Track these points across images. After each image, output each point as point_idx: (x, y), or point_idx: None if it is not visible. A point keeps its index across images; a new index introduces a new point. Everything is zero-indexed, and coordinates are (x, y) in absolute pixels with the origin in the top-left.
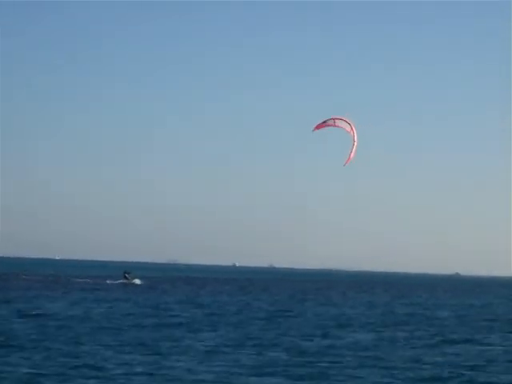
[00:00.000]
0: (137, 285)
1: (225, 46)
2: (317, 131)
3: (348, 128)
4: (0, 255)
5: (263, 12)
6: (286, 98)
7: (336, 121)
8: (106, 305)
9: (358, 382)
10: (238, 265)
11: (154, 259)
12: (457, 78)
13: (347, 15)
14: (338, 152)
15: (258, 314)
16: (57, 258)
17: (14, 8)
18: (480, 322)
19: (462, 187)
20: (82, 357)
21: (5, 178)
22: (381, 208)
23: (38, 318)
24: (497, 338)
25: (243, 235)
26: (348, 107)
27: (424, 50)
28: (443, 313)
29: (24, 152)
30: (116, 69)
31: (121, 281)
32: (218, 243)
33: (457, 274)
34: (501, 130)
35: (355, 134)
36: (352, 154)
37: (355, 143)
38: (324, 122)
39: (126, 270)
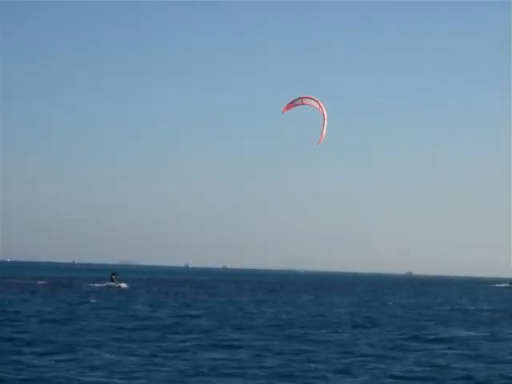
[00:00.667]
0: (122, 288)
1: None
2: (287, 112)
3: (316, 105)
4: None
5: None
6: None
7: (304, 99)
8: None
9: None
10: (190, 266)
11: (104, 260)
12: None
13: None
14: (295, 148)
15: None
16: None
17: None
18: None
19: (413, 187)
20: None
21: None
22: (338, 208)
23: None
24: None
25: (196, 236)
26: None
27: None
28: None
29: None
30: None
31: (108, 283)
32: (169, 244)
33: (409, 273)
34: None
35: (324, 111)
36: (324, 132)
37: (325, 120)
38: (292, 102)
39: (114, 271)
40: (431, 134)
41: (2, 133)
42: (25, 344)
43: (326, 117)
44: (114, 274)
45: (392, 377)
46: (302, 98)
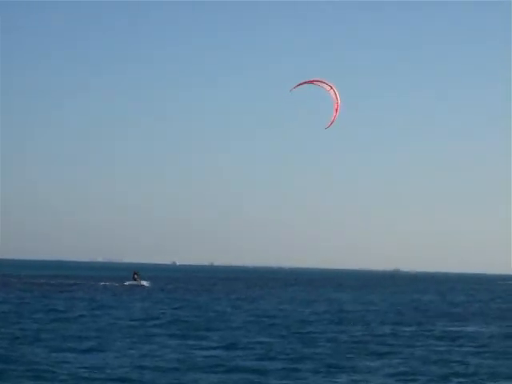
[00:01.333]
0: (145, 287)
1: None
2: (295, 90)
3: (327, 88)
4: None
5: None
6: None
7: (314, 82)
8: None
9: None
10: (178, 263)
11: (87, 258)
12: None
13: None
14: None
15: None
16: None
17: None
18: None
19: (397, 182)
20: None
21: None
22: (326, 207)
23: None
24: None
25: (183, 234)
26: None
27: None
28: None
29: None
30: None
31: (130, 282)
32: (157, 241)
33: (397, 270)
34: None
35: (337, 94)
36: (335, 115)
37: (338, 102)
38: (301, 83)
39: (136, 270)
40: (416, 130)
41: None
42: None
43: (339, 101)
44: (136, 273)
45: None
46: (313, 81)
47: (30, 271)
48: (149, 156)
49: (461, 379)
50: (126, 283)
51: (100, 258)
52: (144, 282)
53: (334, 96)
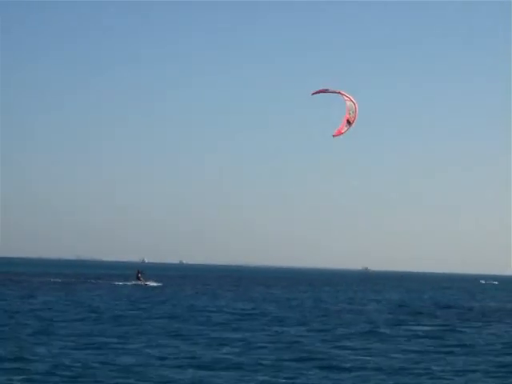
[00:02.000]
0: (153, 286)
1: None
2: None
3: (347, 99)
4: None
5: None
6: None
7: (337, 92)
8: None
9: None
10: (147, 261)
11: (60, 256)
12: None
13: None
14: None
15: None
16: None
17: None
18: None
19: (369, 181)
20: None
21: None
22: (296, 206)
23: None
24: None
25: (152, 231)
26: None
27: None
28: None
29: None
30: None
31: (133, 282)
32: (126, 239)
33: (366, 269)
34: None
35: (356, 108)
36: (343, 127)
37: (355, 115)
38: (324, 90)
39: (140, 269)
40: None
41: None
42: None
43: (356, 117)
44: (140, 272)
45: None
46: (336, 92)
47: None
48: (123, 155)
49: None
50: (129, 283)
51: (72, 256)
52: (149, 282)
53: (350, 107)
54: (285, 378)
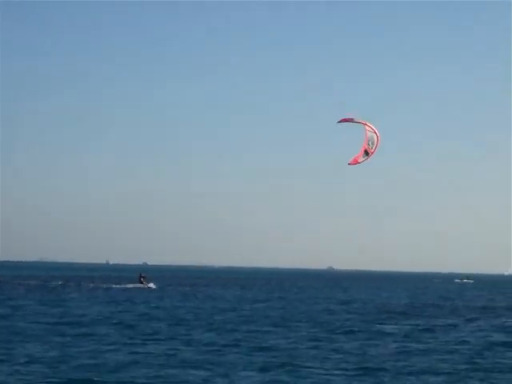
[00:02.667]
0: (152, 289)
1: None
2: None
3: (369, 128)
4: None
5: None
6: None
7: (363, 123)
8: None
9: None
10: (111, 262)
11: (22, 258)
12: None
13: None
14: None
15: None
16: None
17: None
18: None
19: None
20: None
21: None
22: (261, 203)
23: None
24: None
25: (116, 233)
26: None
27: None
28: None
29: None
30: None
31: (134, 285)
32: (90, 241)
33: (330, 268)
34: None
35: (378, 141)
36: (367, 157)
37: (375, 147)
38: (351, 119)
39: (142, 272)
40: None
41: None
42: None
43: (376, 146)
44: (142, 276)
45: None
46: (364, 123)
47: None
48: (87, 155)
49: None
50: (130, 286)
51: (35, 258)
52: (150, 285)
53: (371, 138)
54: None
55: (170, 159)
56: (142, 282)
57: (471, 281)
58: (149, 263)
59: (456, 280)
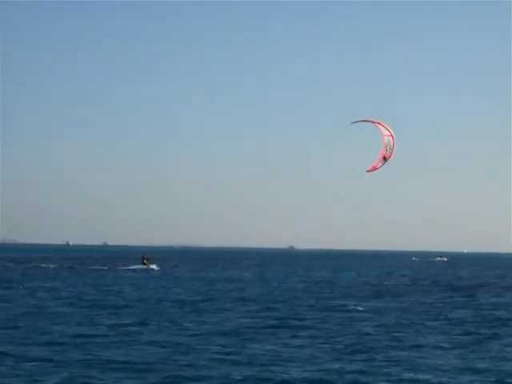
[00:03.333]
0: (155, 270)
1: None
2: (357, 124)
3: (386, 132)
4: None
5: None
6: None
7: (379, 125)
8: None
9: None
10: (71, 243)
11: None
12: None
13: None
14: None
15: None
16: None
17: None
18: None
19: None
20: None
21: None
22: (220, 183)
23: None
24: None
25: (75, 213)
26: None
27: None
28: None
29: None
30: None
31: (137, 266)
32: (50, 221)
33: (291, 247)
34: None
35: (394, 144)
36: (384, 162)
37: (393, 152)
38: (366, 119)
39: (145, 254)
40: None
41: None
42: None
43: (392, 154)
44: (145, 258)
45: None
46: (378, 123)
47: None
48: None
49: None
50: (133, 267)
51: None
52: (153, 266)
53: (388, 143)
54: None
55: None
56: (144, 264)
57: (445, 259)
58: (109, 243)
59: (429, 258)
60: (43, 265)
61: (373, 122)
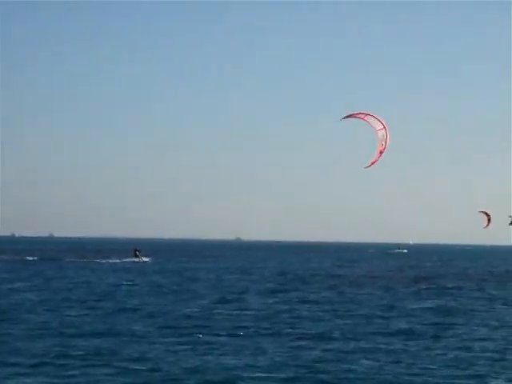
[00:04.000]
0: (147, 262)
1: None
2: (345, 120)
3: (378, 126)
4: None
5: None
6: None
7: (367, 116)
8: None
9: None
10: (17, 235)
11: None
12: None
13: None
14: None
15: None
16: None
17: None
18: None
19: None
20: None
21: None
22: (161, 169)
23: None
24: None
25: (23, 204)
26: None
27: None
28: None
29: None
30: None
31: (130, 259)
32: None
33: (238, 239)
34: None
35: (388, 135)
36: (380, 156)
37: (386, 145)
38: (354, 114)
39: (137, 247)
40: None
41: None
42: None
43: (387, 144)
44: (137, 250)
45: None
46: (366, 114)
47: None
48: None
49: None
50: (126, 260)
51: None
52: (145, 258)
53: (382, 137)
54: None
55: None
56: (137, 256)
57: (405, 250)
58: (55, 235)
59: (389, 251)
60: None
61: (362, 117)
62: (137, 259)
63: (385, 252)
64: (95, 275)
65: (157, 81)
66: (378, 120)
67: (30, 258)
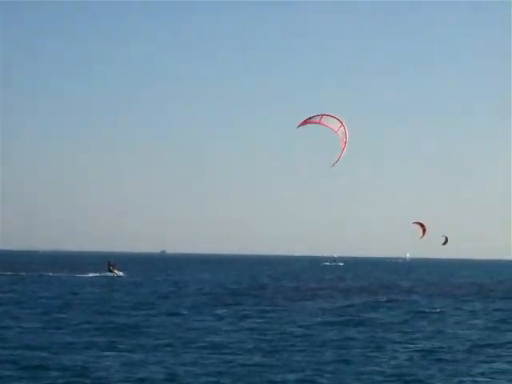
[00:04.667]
0: (122, 277)
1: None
2: (302, 127)
3: (336, 127)
4: None
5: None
6: None
7: (323, 118)
8: None
9: None
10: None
11: None
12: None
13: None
14: None
15: None
16: None
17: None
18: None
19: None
20: None
21: None
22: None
23: None
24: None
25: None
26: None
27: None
28: None
29: None
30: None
31: (106, 273)
32: None
33: (163, 251)
34: None
35: (347, 133)
36: (341, 154)
37: (345, 144)
38: (309, 118)
39: (111, 260)
40: None
41: None
42: None
43: (347, 140)
44: (111, 264)
45: None
46: (321, 116)
47: None
48: None
49: None
50: (97, 274)
51: None
52: (120, 273)
53: (342, 135)
54: None
55: None
56: (111, 271)
57: (341, 263)
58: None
59: (325, 263)
60: None
61: (318, 121)
62: (110, 273)
63: (319, 265)
64: None
65: None
66: (335, 118)
67: None
